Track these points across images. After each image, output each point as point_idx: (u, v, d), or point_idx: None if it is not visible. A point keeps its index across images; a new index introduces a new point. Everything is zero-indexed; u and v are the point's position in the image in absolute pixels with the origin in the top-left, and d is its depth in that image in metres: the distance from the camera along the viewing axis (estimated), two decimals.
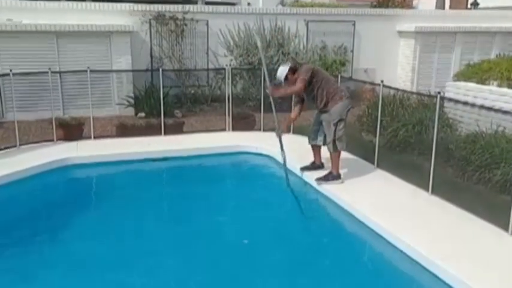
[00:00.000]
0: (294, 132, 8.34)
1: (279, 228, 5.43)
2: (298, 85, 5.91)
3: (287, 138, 6.80)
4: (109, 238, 5.08)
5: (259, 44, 7.08)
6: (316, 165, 6.62)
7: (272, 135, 6.62)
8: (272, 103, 6.36)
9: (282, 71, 6.05)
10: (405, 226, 4.99)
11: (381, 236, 4.96)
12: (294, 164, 6.75)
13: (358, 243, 5.19)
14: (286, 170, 6.48)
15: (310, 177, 6.42)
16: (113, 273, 4.36)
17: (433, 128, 5.83)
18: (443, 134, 6.97)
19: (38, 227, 5.33)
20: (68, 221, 5.46)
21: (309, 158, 6.70)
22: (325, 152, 6.40)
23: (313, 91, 6.04)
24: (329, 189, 6.06)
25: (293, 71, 6.03)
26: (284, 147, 6.44)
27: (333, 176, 6.19)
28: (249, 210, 5.90)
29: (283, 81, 6.10)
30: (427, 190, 5.84)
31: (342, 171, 6.28)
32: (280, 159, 6.67)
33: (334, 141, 6.04)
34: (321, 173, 6.35)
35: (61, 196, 6.39)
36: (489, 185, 6.02)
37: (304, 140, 6.68)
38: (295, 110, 6.60)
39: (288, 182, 6.40)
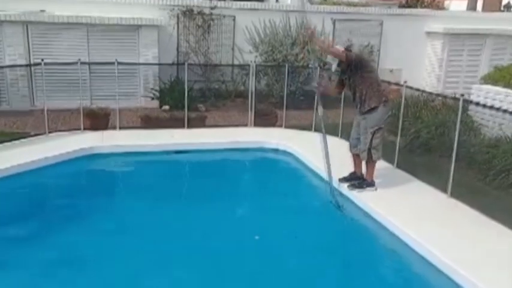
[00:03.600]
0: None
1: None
2: (343, 52, 5.63)
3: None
4: (135, 225, 5.26)
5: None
6: (355, 176, 6.19)
7: (294, 132, 6.43)
8: (325, 143, 5.97)
9: (337, 50, 5.74)
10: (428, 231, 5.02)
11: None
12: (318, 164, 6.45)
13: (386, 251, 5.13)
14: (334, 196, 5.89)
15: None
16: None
17: (455, 130, 5.80)
18: (466, 137, 6.91)
19: (63, 211, 5.55)
20: (90, 206, 5.67)
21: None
22: None
23: (354, 82, 5.73)
24: (360, 197, 5.84)
25: (349, 49, 5.82)
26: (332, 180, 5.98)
27: (367, 184, 5.95)
28: (269, 208, 5.93)
29: (336, 66, 5.78)
30: (446, 192, 5.82)
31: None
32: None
33: (369, 149, 5.77)
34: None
35: (87, 183, 6.66)
36: (510, 189, 5.96)
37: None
38: (334, 90, 6.30)
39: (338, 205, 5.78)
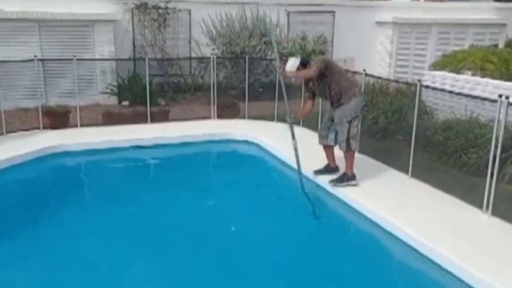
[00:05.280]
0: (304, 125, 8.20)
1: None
2: (312, 69, 5.58)
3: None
4: (104, 223, 5.22)
5: (273, 39, 6.84)
6: (330, 169, 6.19)
7: (257, 123, 6.53)
8: (283, 88, 5.98)
9: (293, 63, 5.74)
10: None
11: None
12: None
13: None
14: (298, 160, 6.00)
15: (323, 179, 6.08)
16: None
17: (412, 115, 6.14)
18: (421, 121, 7.30)
19: (30, 212, 5.44)
20: (61, 206, 5.61)
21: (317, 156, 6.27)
22: (338, 152, 6.04)
23: (326, 84, 5.69)
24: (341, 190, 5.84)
25: (304, 64, 5.75)
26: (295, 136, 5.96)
27: (347, 177, 5.86)
28: (241, 199, 6.00)
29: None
30: (407, 173, 6.19)
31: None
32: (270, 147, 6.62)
33: (347, 139, 5.68)
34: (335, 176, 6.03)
35: (54, 182, 6.54)
36: (464, 168, 6.38)
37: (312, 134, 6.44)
38: (306, 106, 6.18)
39: (300, 172, 5.95)
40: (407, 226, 4.83)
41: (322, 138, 6.08)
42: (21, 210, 5.56)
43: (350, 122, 5.67)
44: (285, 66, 5.81)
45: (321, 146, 6.18)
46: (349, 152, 5.79)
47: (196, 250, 4.66)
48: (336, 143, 5.96)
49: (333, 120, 5.88)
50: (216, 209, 5.67)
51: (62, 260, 4.40)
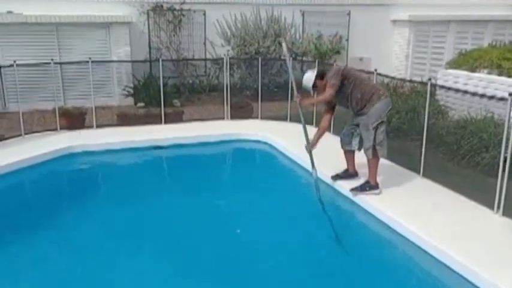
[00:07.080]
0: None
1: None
2: (329, 92, 5.32)
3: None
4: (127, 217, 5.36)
5: (284, 47, 6.04)
6: (349, 174, 5.94)
7: (270, 124, 6.50)
8: (301, 115, 5.62)
9: (309, 78, 5.49)
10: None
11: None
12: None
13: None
14: (318, 189, 5.48)
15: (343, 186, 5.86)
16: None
17: (424, 114, 6.08)
18: (434, 120, 7.21)
19: (48, 211, 5.58)
20: (76, 205, 5.74)
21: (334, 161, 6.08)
22: (358, 157, 5.83)
23: (346, 94, 5.42)
24: (343, 185, 5.75)
25: (321, 76, 5.47)
26: (315, 165, 5.58)
27: (370, 186, 5.55)
28: (255, 200, 6.00)
29: (311, 89, 5.55)
30: (419, 173, 6.12)
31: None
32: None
33: (374, 146, 5.39)
34: (354, 182, 5.77)
35: (72, 181, 6.76)
36: (477, 168, 6.29)
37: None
38: (324, 120, 5.85)
39: (320, 199, 5.38)
40: (413, 226, 4.80)
41: (346, 143, 5.82)
42: (56, 201, 5.85)
43: (376, 128, 5.38)
44: (301, 94, 5.54)
45: (329, 151, 6.01)
46: (374, 159, 5.52)
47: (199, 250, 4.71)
48: (360, 148, 5.72)
49: (357, 125, 5.63)
50: (232, 212, 5.65)
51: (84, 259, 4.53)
